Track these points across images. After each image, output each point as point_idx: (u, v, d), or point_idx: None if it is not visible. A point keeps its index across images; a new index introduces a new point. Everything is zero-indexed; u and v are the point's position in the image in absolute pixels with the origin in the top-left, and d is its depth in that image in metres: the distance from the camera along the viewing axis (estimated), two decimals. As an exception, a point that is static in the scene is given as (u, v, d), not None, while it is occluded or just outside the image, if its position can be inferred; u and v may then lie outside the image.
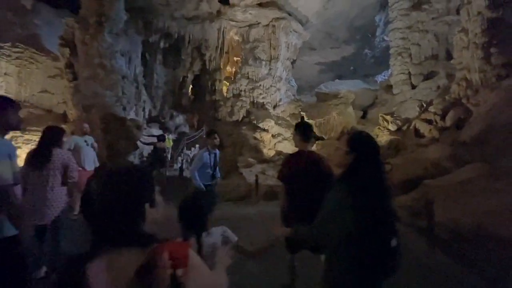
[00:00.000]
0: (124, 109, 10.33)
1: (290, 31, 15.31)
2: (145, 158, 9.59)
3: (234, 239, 1.59)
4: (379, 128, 10.02)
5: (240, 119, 15.18)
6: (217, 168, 3.76)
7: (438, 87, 10.65)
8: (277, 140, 14.20)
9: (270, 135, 14.14)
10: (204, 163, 3.56)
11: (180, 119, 13.43)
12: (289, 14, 15.05)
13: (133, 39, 11.84)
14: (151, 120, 12.82)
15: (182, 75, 15.36)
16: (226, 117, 15.37)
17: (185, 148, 10.67)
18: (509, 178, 3.63)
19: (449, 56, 11.15)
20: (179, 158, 9.86)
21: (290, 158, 2.27)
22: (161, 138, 7.52)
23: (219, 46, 15.38)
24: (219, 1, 13.97)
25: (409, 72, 11.90)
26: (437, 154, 7.49)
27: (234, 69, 17.03)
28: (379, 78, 24.37)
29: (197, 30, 14.36)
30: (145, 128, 11.29)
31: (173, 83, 14.97)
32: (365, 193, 1.17)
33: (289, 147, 14.17)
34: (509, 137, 5.66)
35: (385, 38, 20.95)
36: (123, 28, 11.18)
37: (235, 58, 17.95)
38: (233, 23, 15.50)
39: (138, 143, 9.67)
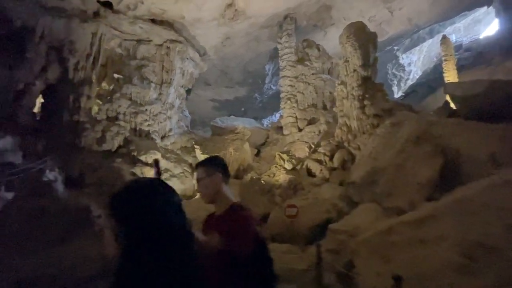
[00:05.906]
0: None
1: (187, 58, 14.21)
2: None
3: None
4: (276, 167, 9.81)
5: (114, 148, 11.80)
6: None
7: (320, 131, 11.94)
8: (163, 178, 11.69)
9: (155, 170, 11.52)
10: None
11: (6, 142, 8.70)
12: (186, 40, 14.07)
13: None
14: None
15: (25, 81, 10.72)
16: (93, 144, 11.61)
17: (3, 188, 6.44)
18: (429, 225, 3.33)
19: (324, 106, 13.06)
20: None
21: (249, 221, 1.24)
22: None
23: (93, 55, 12.09)
24: (97, 1, 11.21)
25: (296, 116, 13.01)
26: (330, 194, 7.58)
27: (112, 87, 13.77)
28: (265, 121, 26.88)
29: (58, 26, 10.71)
30: None
31: (5, 88, 10.07)
32: None
33: (177, 186, 11.90)
34: (390, 178, 6.14)
35: (272, 86, 23.69)
36: None
37: (115, 75, 14.79)
38: (117, 32, 12.85)
39: None
